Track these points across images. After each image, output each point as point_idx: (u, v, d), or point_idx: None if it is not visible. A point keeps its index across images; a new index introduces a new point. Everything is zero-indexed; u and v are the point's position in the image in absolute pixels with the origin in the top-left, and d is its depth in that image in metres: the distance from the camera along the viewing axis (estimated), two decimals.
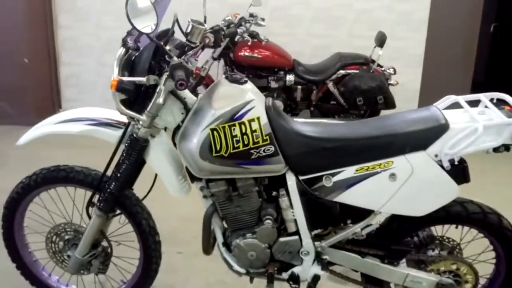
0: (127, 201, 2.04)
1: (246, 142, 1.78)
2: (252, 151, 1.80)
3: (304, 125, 1.90)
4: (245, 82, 1.85)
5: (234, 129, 1.77)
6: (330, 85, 4.53)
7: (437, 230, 2.04)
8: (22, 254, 2.22)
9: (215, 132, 1.77)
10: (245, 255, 1.98)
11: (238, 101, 1.79)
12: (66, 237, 2.12)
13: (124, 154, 1.89)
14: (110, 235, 2.18)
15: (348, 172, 1.85)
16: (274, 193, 1.93)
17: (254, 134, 1.78)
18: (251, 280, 2.06)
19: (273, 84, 4.66)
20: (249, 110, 1.79)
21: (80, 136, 1.92)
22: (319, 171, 1.87)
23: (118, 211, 2.08)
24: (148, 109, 1.80)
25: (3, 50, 4.81)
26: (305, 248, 1.96)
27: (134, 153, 1.88)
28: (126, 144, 1.89)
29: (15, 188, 2.09)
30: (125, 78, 1.72)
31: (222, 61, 4.65)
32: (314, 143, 1.84)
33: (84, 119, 1.94)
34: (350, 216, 1.94)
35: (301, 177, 1.88)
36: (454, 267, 2.01)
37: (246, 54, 4.52)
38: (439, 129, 1.80)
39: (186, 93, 1.87)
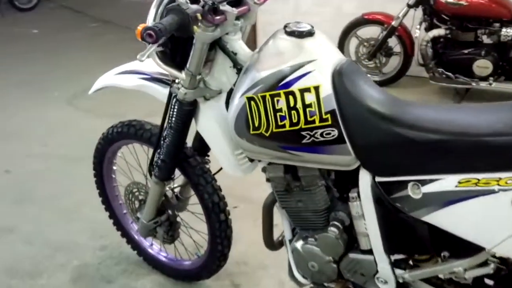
0: (190, 170, 1.76)
1: (295, 120, 1.29)
2: (304, 133, 1.30)
3: (390, 103, 1.30)
4: (309, 34, 1.32)
5: (278, 100, 1.29)
6: None
7: None
8: (113, 205, 2.18)
9: (252, 102, 1.32)
10: (305, 263, 1.53)
11: (289, 61, 1.29)
12: (140, 197, 1.98)
13: (170, 118, 1.60)
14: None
15: (447, 182, 1.20)
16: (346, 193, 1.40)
17: (308, 109, 1.28)
18: None
19: (484, 39, 3.70)
20: (304, 75, 1.28)
21: (133, 90, 1.70)
22: (404, 174, 1.26)
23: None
24: (187, 65, 1.45)
25: None
26: (381, 275, 1.40)
27: (178, 118, 1.57)
28: (172, 106, 1.59)
29: (99, 139, 2.02)
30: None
31: (420, 10, 3.87)
32: (399, 131, 1.23)
33: (139, 72, 1.70)
34: (447, 246, 1.29)
35: (378, 178, 1.31)
36: None
37: (450, 0, 3.64)
38: None
39: (239, 47, 1.44)
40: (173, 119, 1.58)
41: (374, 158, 1.29)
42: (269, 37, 1.40)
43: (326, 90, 1.27)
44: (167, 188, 1.89)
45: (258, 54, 1.37)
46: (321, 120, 1.27)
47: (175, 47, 1.43)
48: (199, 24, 1.33)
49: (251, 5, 1.44)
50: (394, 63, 4.16)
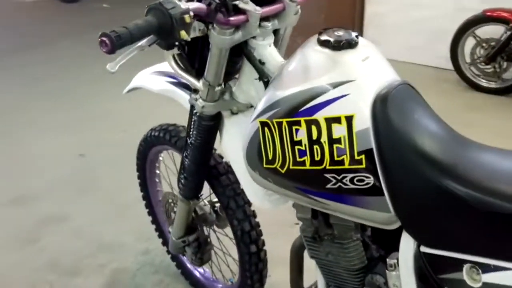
0: (220, 190, 1.52)
1: (317, 158, 0.98)
2: (328, 175, 0.98)
3: (452, 147, 0.94)
4: (348, 45, 0.99)
5: (297, 130, 0.99)
6: None
7: None
8: (156, 210, 2.02)
9: (266, 129, 1.03)
10: None
11: (317, 79, 0.98)
12: (175, 209, 1.78)
13: (191, 132, 1.36)
14: None
15: None
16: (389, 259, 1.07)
17: (335, 146, 0.96)
18: None
19: None
20: (334, 100, 0.96)
21: (160, 95, 1.48)
22: (460, 251, 0.90)
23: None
24: (205, 74, 1.19)
25: None
26: None
27: (197, 133, 1.33)
28: (193, 118, 1.34)
29: (140, 140, 1.85)
30: None
31: None
32: (458, 190, 0.88)
33: (168, 75, 1.47)
34: None
35: (423, 248, 0.96)
36: None
37: None
38: None
39: (268, 54, 1.15)
40: (193, 134, 1.34)
41: (421, 220, 0.95)
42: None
43: (363, 122, 0.94)
44: (205, 202, 1.68)
45: (282, 67, 1.08)
46: (352, 161, 0.95)
47: (192, 50, 1.18)
48: (215, 26, 1.06)
49: (287, 3, 1.14)
50: None
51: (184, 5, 0.96)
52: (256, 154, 1.07)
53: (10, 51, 5.09)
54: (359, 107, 0.95)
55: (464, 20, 3.64)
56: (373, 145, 0.94)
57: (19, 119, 3.56)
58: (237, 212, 1.50)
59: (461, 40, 3.68)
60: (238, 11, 1.06)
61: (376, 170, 0.94)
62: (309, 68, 1.00)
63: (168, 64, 1.21)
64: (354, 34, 1.02)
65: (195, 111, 1.30)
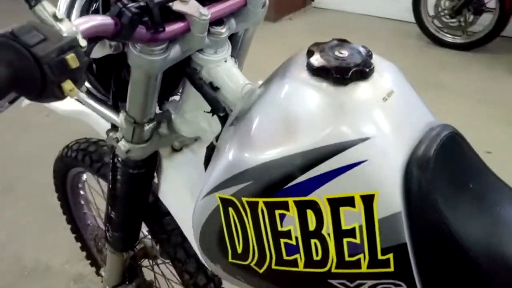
0: (163, 236, 1.13)
1: (317, 257, 0.62)
2: (334, 282, 0.62)
3: None
4: (359, 74, 0.61)
5: (283, 216, 0.62)
6: None
7: None
8: (85, 237, 1.61)
9: (230, 210, 0.65)
10: None
11: (312, 137, 0.60)
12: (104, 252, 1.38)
13: (113, 179, 0.94)
14: None
15: None
16: None
17: (346, 240, 0.60)
18: None
19: None
20: (343, 170, 0.58)
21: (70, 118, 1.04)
22: None
23: None
24: (126, 107, 0.78)
25: None
26: None
27: (124, 184, 0.92)
28: (116, 161, 0.92)
29: (56, 157, 1.41)
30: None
31: None
32: None
33: None
34: None
35: None
36: None
37: None
38: None
39: (225, 75, 0.73)
40: (118, 184, 0.93)
41: None
42: (279, 67, 0.69)
43: (390, 204, 0.58)
44: (144, 233, 1.29)
45: (249, 108, 0.68)
46: (374, 263, 0.60)
47: (104, 66, 0.75)
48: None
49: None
50: (483, 22, 3.24)
51: (66, 26, 0.50)
52: (216, 244, 0.69)
53: None
54: (383, 180, 0.58)
55: None
56: (407, 239, 0.58)
57: None
58: (187, 264, 1.13)
59: None
60: (173, 15, 0.64)
61: (411, 276, 0.59)
62: (296, 116, 0.61)
63: None
64: (363, 50, 0.63)
65: (116, 153, 0.88)
